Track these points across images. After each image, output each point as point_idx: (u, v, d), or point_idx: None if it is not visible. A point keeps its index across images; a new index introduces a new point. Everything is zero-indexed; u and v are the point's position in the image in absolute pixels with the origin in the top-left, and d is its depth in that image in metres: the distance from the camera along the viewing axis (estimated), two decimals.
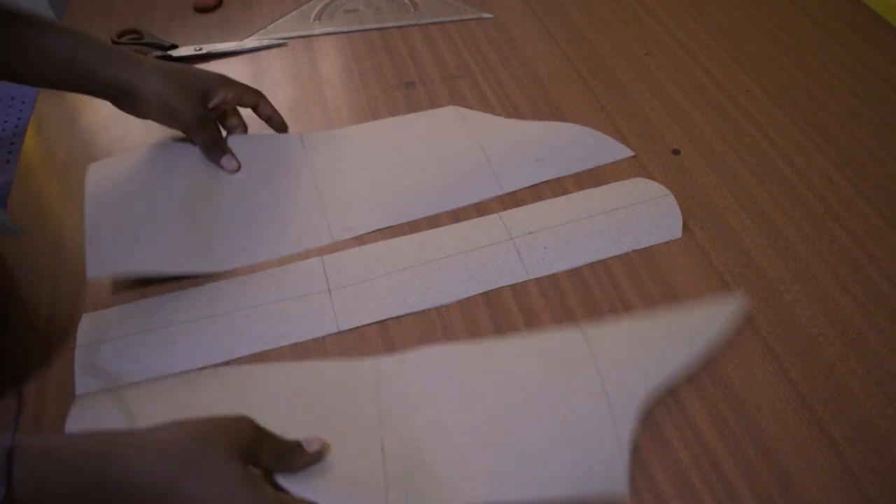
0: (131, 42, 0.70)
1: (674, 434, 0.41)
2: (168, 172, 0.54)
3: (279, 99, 0.65)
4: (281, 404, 0.42)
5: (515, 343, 0.45)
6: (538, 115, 0.62)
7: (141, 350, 0.45)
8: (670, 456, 0.40)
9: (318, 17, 0.76)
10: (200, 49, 0.70)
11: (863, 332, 0.45)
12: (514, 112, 0.62)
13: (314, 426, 0.39)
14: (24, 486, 0.29)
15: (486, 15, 0.75)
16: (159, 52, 0.68)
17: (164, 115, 0.53)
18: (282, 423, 0.38)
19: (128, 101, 0.52)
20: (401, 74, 0.67)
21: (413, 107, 0.63)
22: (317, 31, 0.73)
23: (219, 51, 0.70)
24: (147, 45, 0.69)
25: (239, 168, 0.55)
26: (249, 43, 0.71)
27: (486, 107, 0.63)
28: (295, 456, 0.37)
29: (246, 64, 0.69)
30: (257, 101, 0.57)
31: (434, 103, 0.63)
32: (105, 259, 0.47)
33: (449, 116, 0.61)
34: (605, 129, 0.60)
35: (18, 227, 0.44)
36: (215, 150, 0.55)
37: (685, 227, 0.52)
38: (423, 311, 0.47)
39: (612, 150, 0.58)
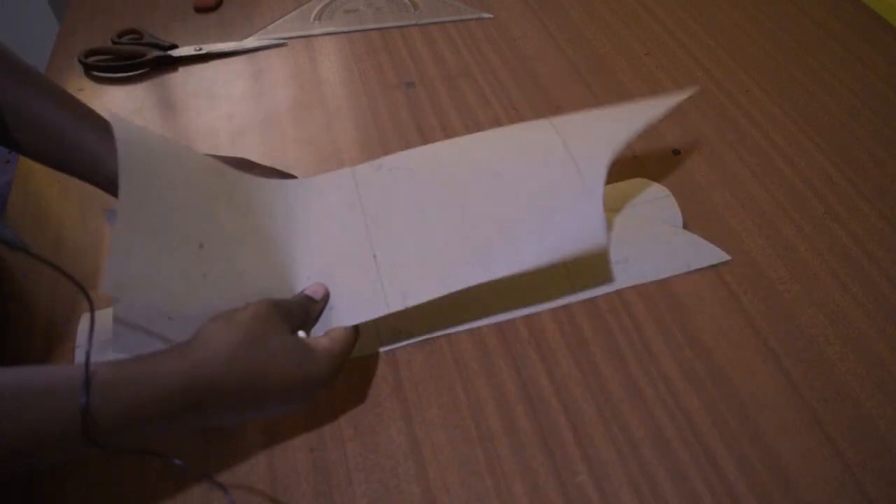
0: (131, 42, 0.70)
1: (674, 434, 0.41)
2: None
3: (279, 99, 0.65)
4: (279, 227, 0.44)
5: (488, 135, 0.48)
6: (538, 115, 0.62)
7: (141, 350, 0.45)
8: (670, 456, 0.40)
9: (318, 17, 0.76)
10: (200, 49, 0.70)
11: (863, 332, 0.45)
12: (514, 112, 0.62)
13: (312, 248, 0.43)
14: (106, 409, 0.30)
15: (486, 15, 0.75)
16: (159, 52, 0.68)
17: None
18: (285, 247, 0.42)
19: (96, 172, 0.44)
20: (401, 74, 0.67)
21: (413, 107, 0.63)
22: (317, 31, 0.73)
23: (219, 51, 0.70)
24: (147, 45, 0.69)
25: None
26: (249, 43, 0.71)
27: (487, 106, 0.63)
28: (311, 309, 0.41)
29: (246, 64, 0.70)
30: None
31: (434, 103, 0.63)
32: (132, 337, 0.38)
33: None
34: None
35: (21, 240, 0.43)
36: None
37: (685, 226, 0.52)
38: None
39: (706, 254, 0.49)
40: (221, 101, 0.65)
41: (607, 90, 0.64)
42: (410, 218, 0.44)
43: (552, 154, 0.44)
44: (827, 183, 0.55)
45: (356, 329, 0.41)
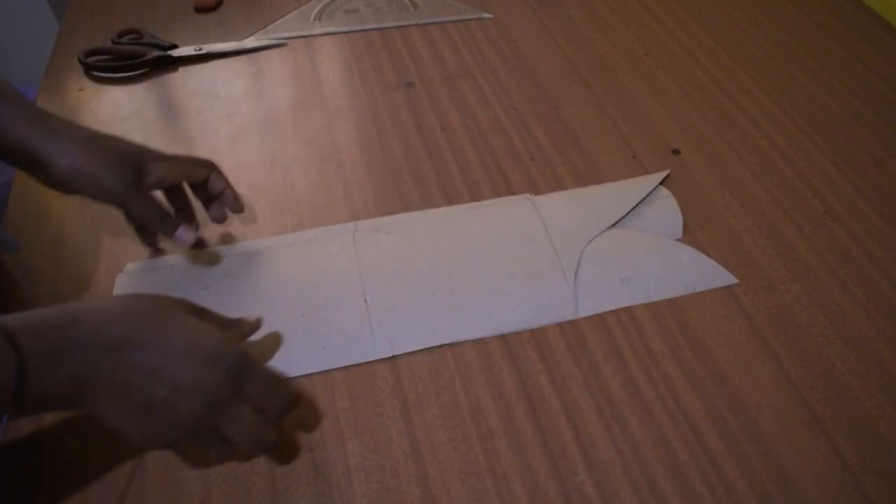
0: (131, 42, 0.70)
1: (674, 434, 0.41)
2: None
3: (279, 99, 0.65)
4: (279, 280, 0.48)
5: (475, 208, 0.54)
6: (538, 115, 0.62)
7: None
8: (670, 456, 0.40)
9: (318, 17, 0.76)
10: (200, 49, 0.70)
11: (863, 332, 0.45)
12: (514, 112, 0.62)
13: (308, 291, 0.47)
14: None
15: (486, 15, 0.75)
16: (159, 52, 0.68)
17: (86, 188, 0.43)
18: (286, 294, 0.47)
19: (39, 170, 0.42)
20: (401, 74, 0.67)
21: (413, 107, 0.63)
22: (317, 31, 0.73)
23: (219, 51, 0.70)
24: (147, 45, 0.69)
25: (195, 238, 0.47)
26: (249, 43, 0.71)
27: (487, 106, 0.63)
28: (241, 331, 0.41)
29: (246, 64, 0.69)
30: (207, 174, 0.48)
31: (434, 103, 0.63)
32: None
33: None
34: (606, 129, 0.60)
35: (16, 242, 0.43)
36: (166, 221, 0.46)
37: (685, 227, 0.52)
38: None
39: (713, 274, 0.49)
40: (221, 101, 0.65)
41: (607, 90, 0.64)
42: (400, 273, 0.48)
43: (533, 234, 0.50)
44: (827, 183, 0.55)
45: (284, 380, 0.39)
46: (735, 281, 0.48)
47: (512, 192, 0.55)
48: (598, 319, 0.46)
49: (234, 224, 0.53)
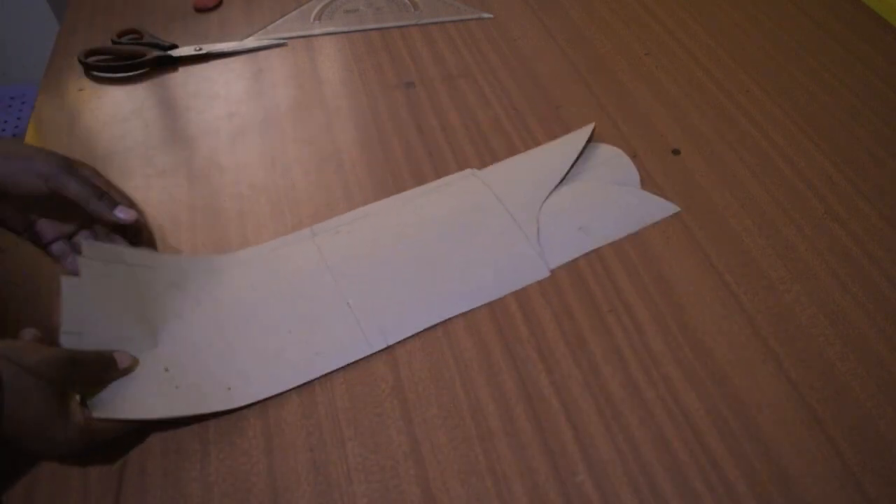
0: (131, 42, 0.70)
1: (674, 434, 0.41)
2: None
3: (279, 99, 0.65)
4: (251, 294, 0.48)
5: (423, 192, 0.55)
6: (538, 115, 0.62)
7: None
8: (670, 456, 0.40)
9: (318, 17, 0.76)
10: (200, 49, 0.70)
11: (863, 332, 0.45)
12: (514, 112, 0.62)
13: (288, 307, 0.47)
14: None
15: (486, 15, 0.75)
16: (159, 52, 0.68)
17: (18, 174, 0.42)
18: (267, 315, 0.46)
19: None
20: (401, 74, 0.67)
21: (413, 107, 0.63)
22: (317, 31, 0.73)
23: (219, 51, 0.70)
24: (147, 45, 0.69)
25: (136, 217, 0.46)
26: (249, 43, 0.71)
27: (487, 106, 0.63)
28: (108, 373, 0.39)
29: (246, 64, 0.69)
30: (109, 212, 0.45)
31: (434, 103, 0.63)
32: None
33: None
34: (606, 129, 0.60)
35: None
36: (104, 200, 0.44)
37: (685, 227, 0.52)
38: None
39: (658, 208, 0.53)
40: (221, 101, 0.65)
41: (607, 90, 0.64)
42: (373, 267, 0.49)
43: (488, 206, 0.53)
44: (827, 183, 0.55)
45: (124, 424, 0.39)
46: (678, 209, 0.53)
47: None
48: (598, 319, 0.46)
49: (230, 228, 0.53)
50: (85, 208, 0.44)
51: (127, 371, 0.40)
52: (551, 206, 0.53)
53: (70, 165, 0.44)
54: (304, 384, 0.44)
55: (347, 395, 0.43)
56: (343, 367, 0.44)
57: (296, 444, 0.41)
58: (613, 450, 0.40)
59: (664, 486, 0.39)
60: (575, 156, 0.56)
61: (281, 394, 0.43)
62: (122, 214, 0.45)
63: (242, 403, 0.42)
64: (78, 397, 0.38)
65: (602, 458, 0.40)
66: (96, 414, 0.38)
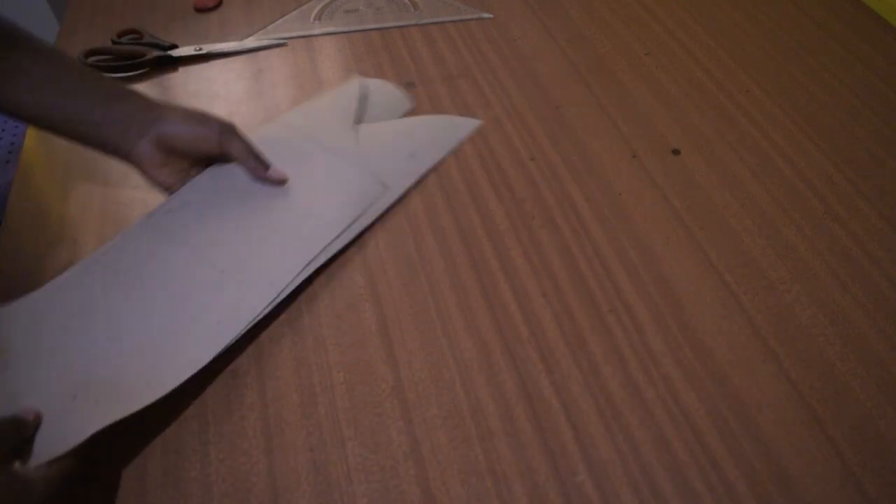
0: (131, 42, 0.70)
1: (674, 434, 0.41)
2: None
3: (279, 99, 0.65)
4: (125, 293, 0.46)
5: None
6: (538, 115, 0.62)
7: None
8: (670, 456, 0.40)
9: (318, 17, 0.76)
10: (200, 49, 0.70)
11: (863, 332, 0.45)
12: (514, 112, 0.62)
13: (170, 298, 0.45)
14: None
15: (486, 15, 0.75)
16: (159, 52, 0.68)
17: (192, 126, 0.49)
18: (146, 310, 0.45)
19: (150, 130, 0.48)
20: (401, 74, 0.67)
21: (413, 107, 0.63)
22: (317, 31, 0.73)
23: (219, 51, 0.70)
24: (147, 45, 0.69)
25: (286, 178, 0.52)
26: (249, 43, 0.71)
27: (487, 106, 0.63)
28: (23, 430, 0.36)
29: (246, 64, 0.69)
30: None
31: (434, 103, 0.63)
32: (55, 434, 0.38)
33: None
34: (606, 129, 0.60)
35: None
36: (259, 161, 0.51)
37: (685, 227, 0.52)
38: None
39: (465, 126, 0.61)
40: (221, 101, 0.65)
41: (607, 90, 0.64)
42: (228, 230, 0.49)
43: (308, 151, 0.55)
44: (827, 183, 0.55)
45: (75, 461, 0.37)
46: (479, 121, 0.61)
47: (512, 191, 0.55)
48: (599, 320, 0.46)
49: None
50: (243, 164, 0.51)
51: (36, 422, 0.37)
52: (380, 140, 0.58)
53: (234, 128, 0.50)
54: (304, 383, 0.44)
55: (347, 395, 0.43)
56: (343, 367, 0.44)
57: (296, 444, 0.41)
58: (613, 450, 0.40)
59: (664, 486, 0.39)
60: (355, 94, 0.61)
61: (281, 392, 0.43)
62: (274, 175, 0.51)
63: (170, 388, 0.40)
64: (17, 462, 0.36)
65: (602, 458, 0.40)
66: (41, 461, 0.36)
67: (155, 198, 0.56)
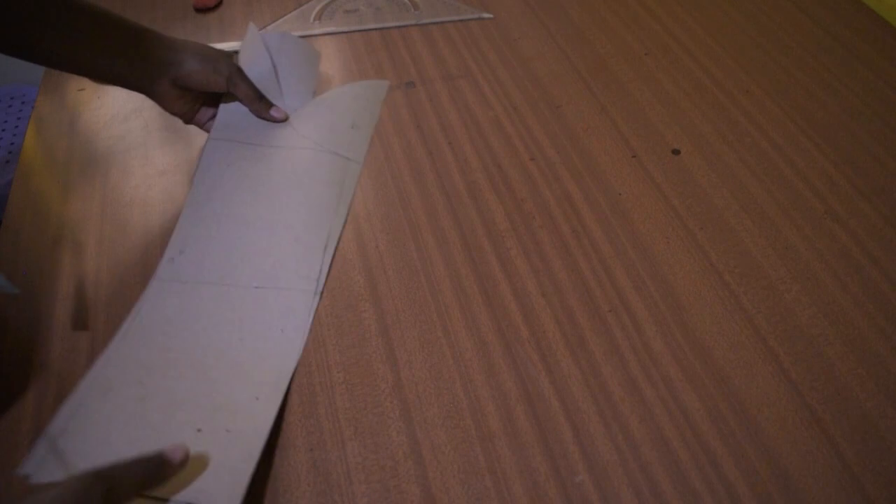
0: None
1: (674, 434, 0.41)
2: None
3: None
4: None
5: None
6: (538, 115, 0.62)
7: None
8: (670, 456, 0.40)
9: (318, 17, 0.76)
10: None
11: (863, 332, 0.45)
12: (514, 112, 0.62)
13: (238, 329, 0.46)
14: None
15: (486, 15, 0.75)
16: None
17: (204, 69, 0.52)
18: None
19: (168, 72, 0.52)
20: (401, 74, 0.67)
21: (413, 107, 0.63)
22: (317, 31, 0.73)
23: None
24: None
25: (287, 116, 0.57)
26: None
27: (487, 106, 0.63)
28: (164, 471, 0.36)
29: None
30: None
31: (434, 103, 0.63)
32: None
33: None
34: (606, 129, 0.60)
35: (14, 287, 0.43)
36: (263, 102, 0.56)
37: (685, 227, 0.52)
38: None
39: (379, 87, 0.65)
40: None
41: (607, 90, 0.64)
42: (247, 255, 0.50)
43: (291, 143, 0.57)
44: (827, 183, 0.55)
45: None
46: (388, 82, 0.65)
47: (512, 191, 0.55)
48: (599, 320, 0.46)
49: None
50: (248, 105, 0.56)
51: (182, 464, 0.37)
52: (320, 120, 0.59)
53: (241, 73, 0.55)
54: (304, 383, 0.44)
55: (347, 395, 0.43)
56: (343, 367, 0.44)
57: (296, 444, 0.41)
58: (613, 450, 0.40)
59: (664, 486, 0.39)
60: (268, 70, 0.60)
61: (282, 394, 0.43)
62: (277, 114, 0.57)
63: (280, 399, 0.42)
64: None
65: (602, 458, 0.40)
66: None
67: (155, 198, 0.56)
